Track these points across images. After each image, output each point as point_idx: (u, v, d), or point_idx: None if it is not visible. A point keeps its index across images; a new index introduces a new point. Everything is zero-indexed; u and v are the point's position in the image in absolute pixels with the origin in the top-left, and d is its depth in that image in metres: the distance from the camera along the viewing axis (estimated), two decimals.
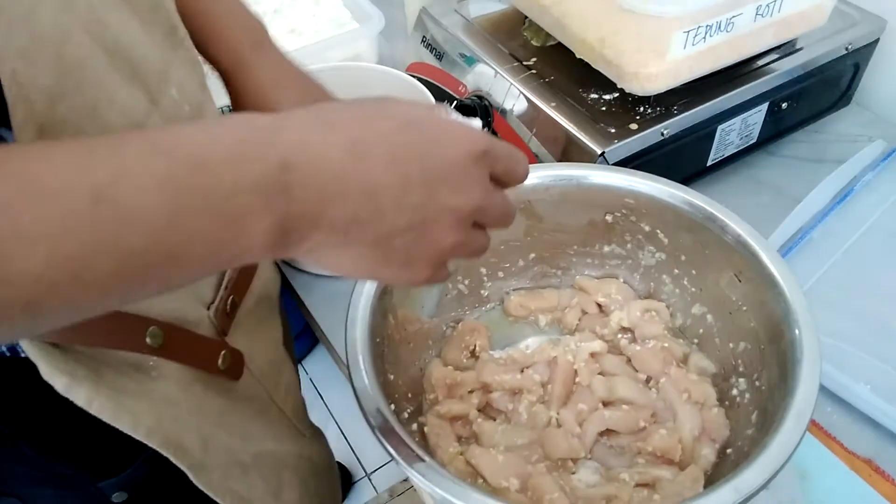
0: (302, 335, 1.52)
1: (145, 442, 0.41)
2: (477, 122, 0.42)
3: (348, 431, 1.50)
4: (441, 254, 0.37)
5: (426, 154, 0.35)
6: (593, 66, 0.68)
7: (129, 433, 0.41)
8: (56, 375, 0.37)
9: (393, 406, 0.50)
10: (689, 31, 0.60)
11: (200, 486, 0.46)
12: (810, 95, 0.78)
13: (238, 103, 0.62)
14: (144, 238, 0.28)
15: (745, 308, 0.57)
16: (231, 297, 0.50)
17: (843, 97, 0.83)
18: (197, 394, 0.46)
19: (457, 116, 0.39)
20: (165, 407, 0.43)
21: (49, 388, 0.37)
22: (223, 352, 0.48)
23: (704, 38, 0.61)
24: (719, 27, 0.61)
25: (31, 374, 0.37)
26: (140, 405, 0.41)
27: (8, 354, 0.39)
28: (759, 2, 0.62)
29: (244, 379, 0.51)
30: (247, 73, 0.57)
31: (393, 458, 0.45)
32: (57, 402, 0.37)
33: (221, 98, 0.63)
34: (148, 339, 0.41)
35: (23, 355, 0.38)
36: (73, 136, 0.34)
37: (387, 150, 0.33)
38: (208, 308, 0.48)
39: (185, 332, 0.45)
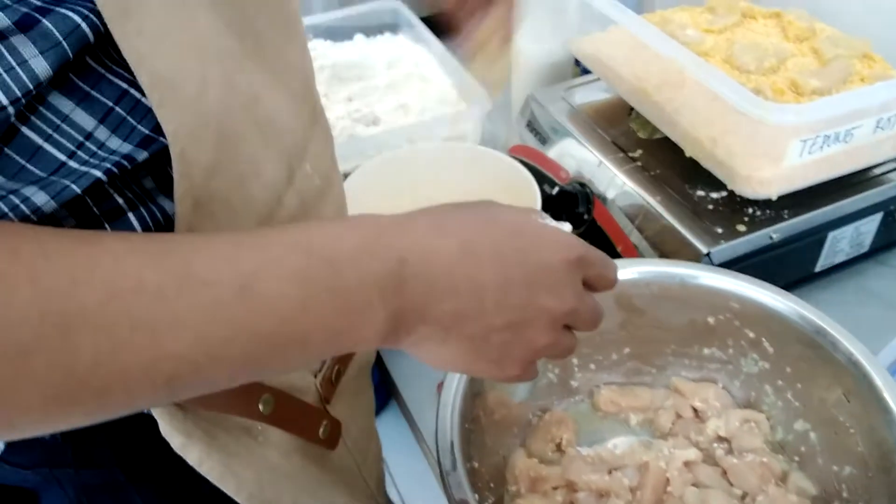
0: None
1: None
2: (567, 227, 0.45)
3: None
4: (533, 353, 0.39)
5: (527, 258, 0.38)
6: (703, 164, 0.67)
7: (232, 496, 0.42)
8: (174, 434, 0.39)
9: (476, 496, 0.49)
10: (806, 140, 0.59)
11: None
12: None
13: None
14: (278, 325, 0.31)
15: (852, 430, 0.55)
16: (337, 367, 0.52)
17: None
18: (294, 461, 0.47)
19: (549, 221, 0.43)
20: (266, 472, 0.44)
21: (164, 444, 0.39)
22: (325, 421, 0.49)
23: (822, 147, 0.60)
24: (837, 138, 0.60)
25: (150, 429, 0.39)
26: (245, 469, 0.42)
27: None
28: (881, 115, 0.61)
29: (338, 449, 0.52)
30: None
31: None
32: (169, 457, 0.39)
33: (343, 164, 0.66)
34: (260, 406, 0.43)
35: (146, 412, 0.40)
36: (221, 208, 0.37)
37: (492, 253, 0.37)
38: (315, 376, 0.50)
39: (293, 399, 0.46)
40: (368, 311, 0.33)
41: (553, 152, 0.81)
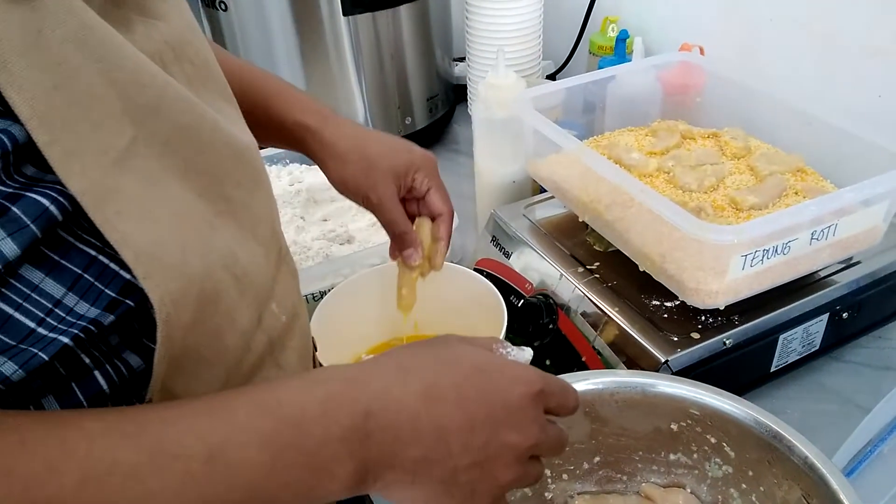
0: None
1: None
2: (528, 353, 0.47)
3: None
4: (501, 488, 0.40)
5: (490, 397, 0.39)
6: (655, 278, 0.72)
7: None
8: None
9: None
10: (746, 255, 0.64)
11: None
12: (871, 305, 0.80)
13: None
14: (246, 491, 0.33)
15: None
16: None
17: None
18: None
19: (511, 350, 0.45)
20: None
21: None
22: None
23: (762, 260, 0.65)
24: (776, 250, 0.65)
25: None
26: None
27: None
28: (814, 227, 0.66)
29: None
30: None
31: None
32: None
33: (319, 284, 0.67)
34: None
35: None
36: (193, 362, 0.37)
37: (456, 396, 0.39)
38: None
39: None
40: (335, 465, 0.35)
41: (517, 265, 0.86)
